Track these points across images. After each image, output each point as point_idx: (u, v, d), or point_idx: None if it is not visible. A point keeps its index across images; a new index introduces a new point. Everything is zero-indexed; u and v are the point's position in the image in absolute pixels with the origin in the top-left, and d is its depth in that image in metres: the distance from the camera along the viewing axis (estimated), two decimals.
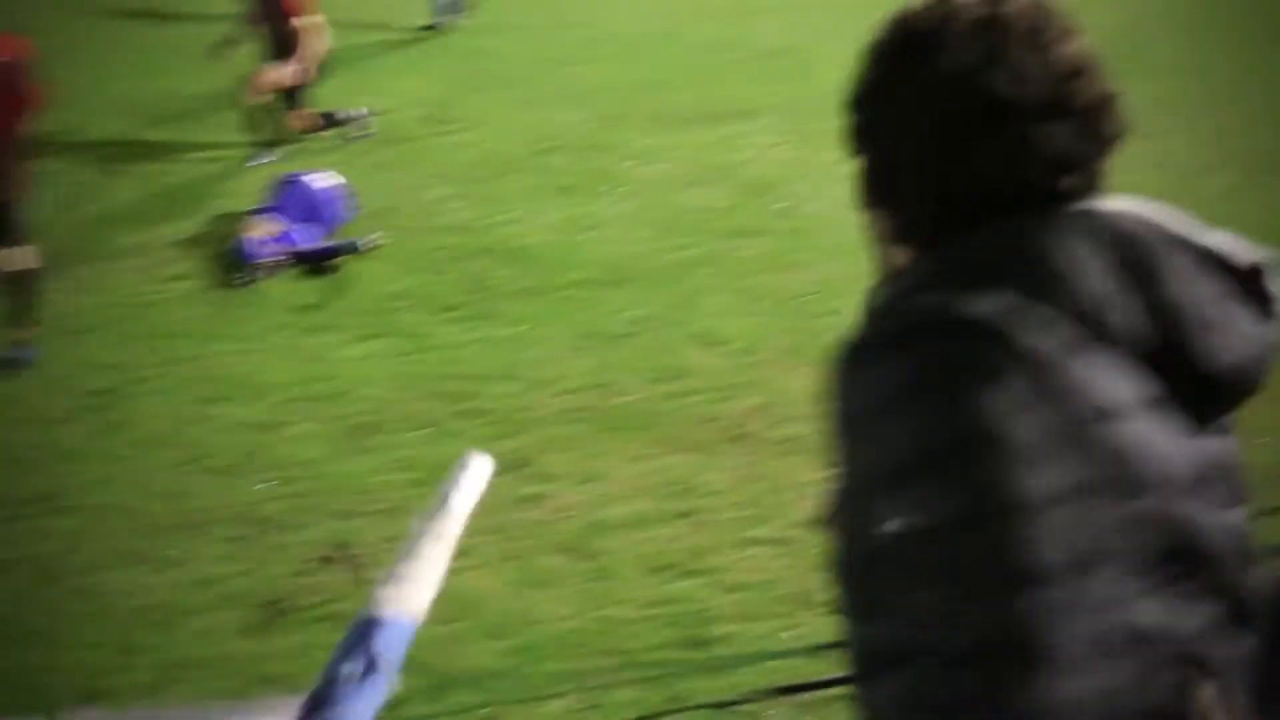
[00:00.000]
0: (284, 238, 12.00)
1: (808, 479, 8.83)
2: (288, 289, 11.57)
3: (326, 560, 7.94)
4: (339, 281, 11.64)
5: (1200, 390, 2.11)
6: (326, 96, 16.25)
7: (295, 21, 14.58)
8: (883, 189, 2.27)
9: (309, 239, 12.13)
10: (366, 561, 7.90)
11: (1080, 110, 2.02)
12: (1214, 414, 2.14)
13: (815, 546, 6.67)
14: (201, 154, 14.69)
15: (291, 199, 12.42)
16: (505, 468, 8.80)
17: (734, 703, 5.99)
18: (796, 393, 9.94)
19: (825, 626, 6.64)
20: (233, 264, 11.89)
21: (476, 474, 4.59)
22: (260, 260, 11.72)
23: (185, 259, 12.14)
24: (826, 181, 14.07)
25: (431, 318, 11.15)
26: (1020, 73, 2.03)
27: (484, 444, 8.86)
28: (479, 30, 20.02)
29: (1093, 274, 1.98)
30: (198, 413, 9.61)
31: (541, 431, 9.43)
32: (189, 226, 12.83)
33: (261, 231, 11.96)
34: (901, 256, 2.25)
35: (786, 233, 12.93)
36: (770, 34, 20.11)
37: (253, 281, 11.59)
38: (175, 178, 14.08)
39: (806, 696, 5.26)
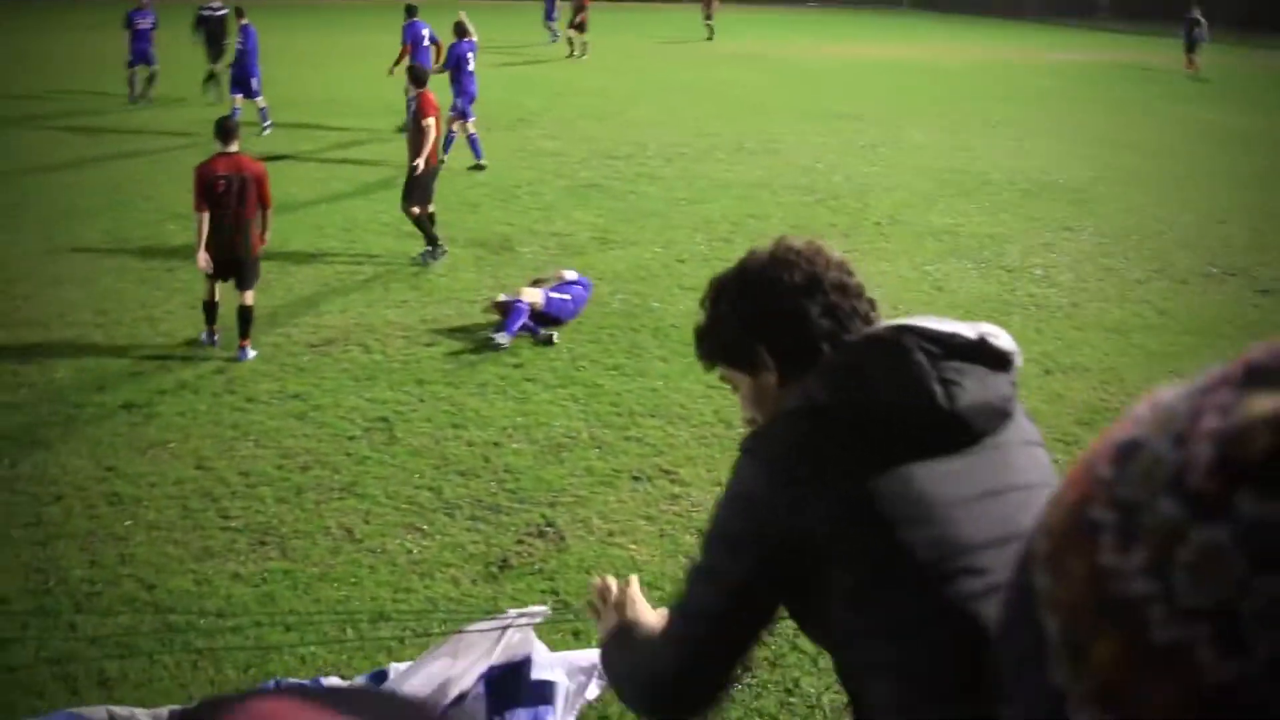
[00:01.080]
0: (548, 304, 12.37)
1: None
2: (504, 353, 11.82)
3: (538, 534, 8.23)
4: (541, 350, 11.89)
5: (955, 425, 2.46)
6: (526, 222, 16.66)
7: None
8: (778, 349, 2.72)
9: (557, 311, 12.44)
10: (564, 534, 8.24)
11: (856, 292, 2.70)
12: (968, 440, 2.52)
13: None
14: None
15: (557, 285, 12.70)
16: (656, 476, 9.15)
17: None
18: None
19: None
20: (498, 326, 12.15)
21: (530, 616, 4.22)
22: (518, 327, 11.98)
23: (433, 331, 12.44)
24: (876, 282, 14.32)
25: (603, 373, 11.37)
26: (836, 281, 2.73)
27: (640, 459, 9.20)
28: (631, 178, 20.28)
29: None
30: (448, 434, 9.86)
31: (681, 452, 9.67)
32: (433, 310, 13.15)
33: (531, 297, 12.24)
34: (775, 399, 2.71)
35: None
36: (835, 183, 20.32)
37: (501, 346, 11.76)
38: (428, 277, 14.35)
39: None
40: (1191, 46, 40.22)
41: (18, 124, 24.26)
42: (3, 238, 15.57)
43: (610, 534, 8.23)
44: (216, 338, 11.84)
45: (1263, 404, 0.72)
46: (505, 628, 3.84)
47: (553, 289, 12.58)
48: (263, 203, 11.60)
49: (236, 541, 8.03)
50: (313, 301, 13.22)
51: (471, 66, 21.45)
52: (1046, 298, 14.20)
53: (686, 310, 12.98)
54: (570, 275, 13.05)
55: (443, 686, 3.64)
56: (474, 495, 8.79)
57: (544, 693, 3.72)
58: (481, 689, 3.68)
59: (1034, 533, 0.83)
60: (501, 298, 12.46)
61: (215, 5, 27.05)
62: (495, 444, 9.69)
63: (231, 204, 11.33)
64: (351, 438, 9.76)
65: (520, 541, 8.10)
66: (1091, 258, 16.10)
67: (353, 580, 7.54)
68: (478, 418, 10.21)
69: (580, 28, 39.97)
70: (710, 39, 48.51)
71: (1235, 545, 0.67)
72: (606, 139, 24.14)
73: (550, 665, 3.84)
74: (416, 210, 14.65)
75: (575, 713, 3.95)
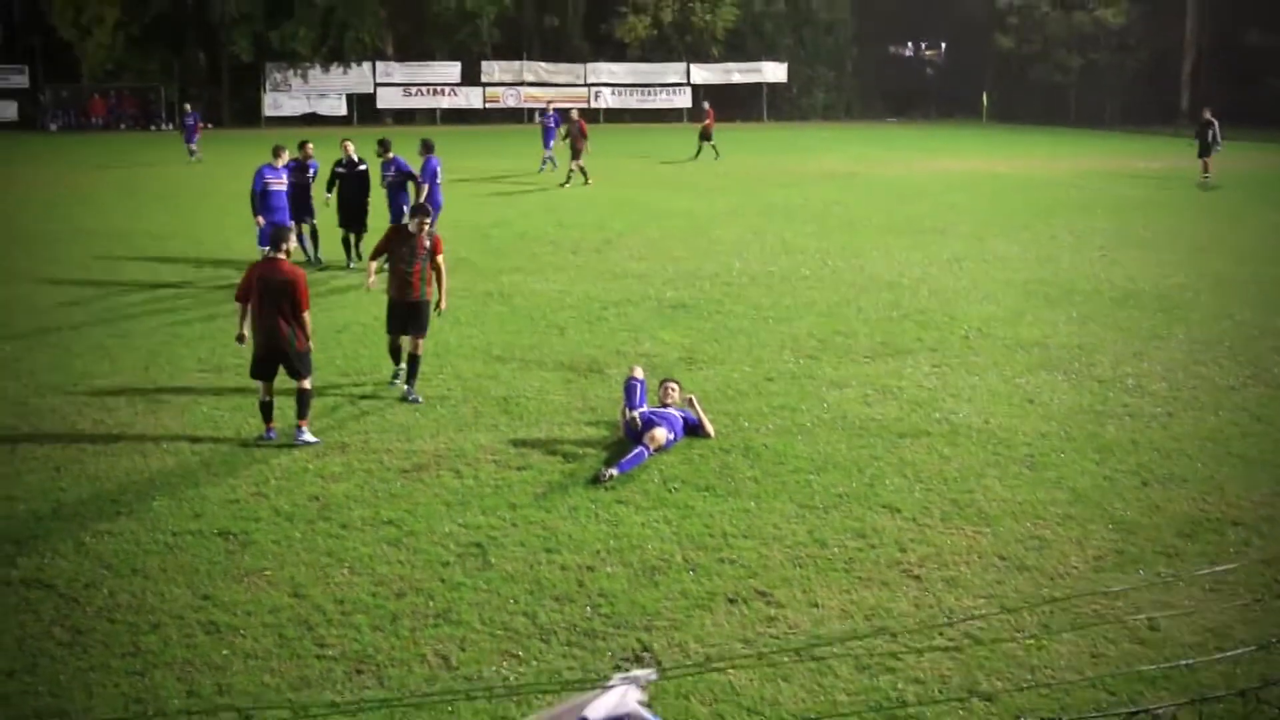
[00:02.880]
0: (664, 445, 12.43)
1: (966, 605, 8.93)
2: (592, 473, 11.79)
3: (634, 659, 8.12)
4: (631, 474, 11.83)
5: None
6: (613, 343, 16.69)
7: None
8: None
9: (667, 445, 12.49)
10: (661, 659, 8.12)
11: None
12: None
13: (980, 653, 6.80)
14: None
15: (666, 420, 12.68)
16: (751, 598, 9.03)
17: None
18: (954, 546, 10.06)
19: (986, 713, 6.68)
20: (609, 461, 12.18)
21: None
22: (633, 468, 11.92)
23: (524, 455, 12.44)
24: (965, 397, 14.18)
25: (695, 495, 11.29)
26: None
27: (735, 582, 9.10)
28: (718, 298, 20.31)
29: None
30: (541, 558, 9.76)
31: (776, 573, 9.54)
32: (523, 434, 13.16)
33: (655, 442, 12.26)
34: None
35: (940, 434, 12.99)
36: (921, 298, 20.24)
37: (608, 482, 11.59)
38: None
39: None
40: (1206, 150, 39.44)
41: (112, 253, 24.84)
42: (103, 366, 15.84)
43: (707, 658, 8.11)
44: (273, 433, 12.95)
45: None
46: (606, 689, 3.75)
47: (664, 423, 12.58)
48: (296, 306, 12.81)
49: (333, 670, 7.99)
50: (404, 427, 13.29)
51: (440, 179, 24.84)
52: (1140, 407, 13.97)
53: (777, 429, 12.95)
54: (674, 398, 13.15)
55: None
56: (569, 620, 8.71)
57: None
58: None
59: None
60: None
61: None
62: (589, 568, 9.61)
63: (268, 303, 12.70)
64: (445, 563, 9.73)
65: (617, 667, 7.98)
66: (1184, 365, 15.86)
67: (449, 710, 7.47)
68: (570, 541, 10.15)
69: (575, 154, 39.42)
70: (717, 156, 48.31)
71: None
72: (692, 259, 24.26)
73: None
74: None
75: None
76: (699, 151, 48.76)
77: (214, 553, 9.95)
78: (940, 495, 11.23)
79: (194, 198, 34.36)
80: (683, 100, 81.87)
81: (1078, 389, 14.74)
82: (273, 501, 11.12)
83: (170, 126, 72.30)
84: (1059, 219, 30.30)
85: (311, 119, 73.98)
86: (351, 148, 24.11)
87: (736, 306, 19.62)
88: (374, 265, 14.82)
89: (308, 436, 12.79)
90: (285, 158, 22.59)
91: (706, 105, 52.98)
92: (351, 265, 23.61)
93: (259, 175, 22.31)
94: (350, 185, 23.75)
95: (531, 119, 44.22)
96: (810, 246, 25.82)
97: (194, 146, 47.74)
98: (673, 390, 13.19)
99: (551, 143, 43.78)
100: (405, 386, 14.39)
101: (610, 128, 73.44)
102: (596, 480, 11.59)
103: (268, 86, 76.27)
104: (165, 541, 10.20)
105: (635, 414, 12.46)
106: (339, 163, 23.92)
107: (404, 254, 14.18)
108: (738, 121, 79.98)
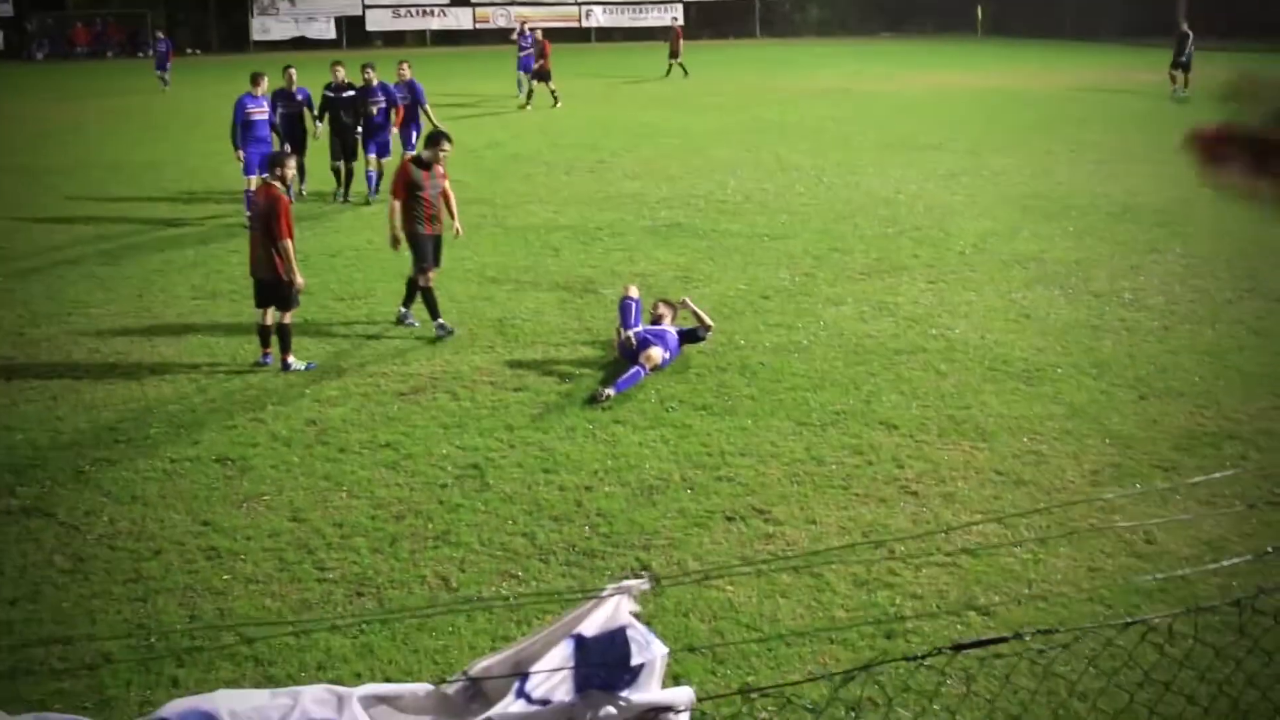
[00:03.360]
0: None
1: (963, 520, 8.98)
2: (587, 395, 11.83)
3: (633, 578, 8.16)
4: (627, 393, 11.85)
5: None
6: (608, 263, 16.68)
7: None
8: None
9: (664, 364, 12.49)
10: (659, 577, 8.17)
11: None
12: None
13: (977, 568, 6.85)
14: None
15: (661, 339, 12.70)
16: (749, 515, 9.08)
17: (921, 657, 6.17)
18: (950, 461, 10.10)
19: (984, 626, 6.77)
20: (605, 381, 12.25)
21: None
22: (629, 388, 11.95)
23: (520, 376, 12.46)
24: (962, 313, 14.19)
25: (692, 413, 11.32)
26: None
27: (733, 500, 9.15)
28: (713, 216, 20.25)
29: None
30: (539, 479, 9.84)
31: (774, 490, 9.59)
32: (519, 355, 13.18)
33: (652, 361, 12.26)
34: None
35: (936, 351, 13.00)
36: (917, 214, 20.17)
37: (604, 402, 11.59)
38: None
39: (979, 652, 5.44)
40: (1183, 64, 38.65)
41: (104, 184, 24.73)
42: (96, 296, 15.81)
43: (706, 576, 8.16)
44: (268, 358, 12.98)
45: None
46: (599, 599, 3.74)
47: (659, 342, 12.56)
48: (271, 233, 12.67)
49: (333, 593, 8.05)
50: (400, 350, 13.30)
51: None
52: (1137, 321, 13.97)
53: (774, 347, 12.96)
54: (667, 317, 13.10)
55: (528, 659, 3.55)
56: (568, 540, 8.77)
57: (639, 660, 3.59)
58: (570, 650, 3.58)
59: None
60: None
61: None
62: (587, 488, 9.66)
63: (257, 228, 12.84)
64: (443, 485, 9.78)
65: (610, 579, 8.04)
66: (1181, 279, 15.84)
67: (450, 630, 7.53)
68: (568, 462, 10.19)
69: (541, 76, 38.43)
70: (685, 74, 47.83)
71: None
72: (687, 178, 24.15)
73: (645, 635, 3.72)
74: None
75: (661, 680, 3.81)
76: (669, 70, 48.30)
77: (213, 479, 9.99)
78: (937, 411, 11.26)
79: (184, 126, 34.11)
80: (675, 18, 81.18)
81: (1074, 304, 14.74)
82: (270, 427, 11.15)
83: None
84: (1056, 133, 30.13)
85: (300, 43, 73.24)
86: (342, 72, 22.90)
87: (732, 225, 19.56)
88: (398, 208, 13.94)
89: (295, 364, 12.80)
90: (265, 85, 21.17)
91: (675, 23, 52.31)
92: (341, 198, 22.54)
93: (239, 106, 20.86)
94: (341, 110, 22.49)
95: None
96: (805, 164, 25.70)
97: (165, 75, 46.51)
98: (665, 309, 13.16)
99: (532, 65, 40.18)
100: (402, 309, 14.33)
101: (601, 47, 72.93)
102: (594, 400, 11.62)
103: (255, 10, 75.40)
104: (164, 468, 10.23)
105: (630, 334, 12.46)
106: (328, 86, 22.72)
107: (427, 185, 13.93)
108: (730, 38, 79.37)
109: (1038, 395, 11.65)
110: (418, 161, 14.08)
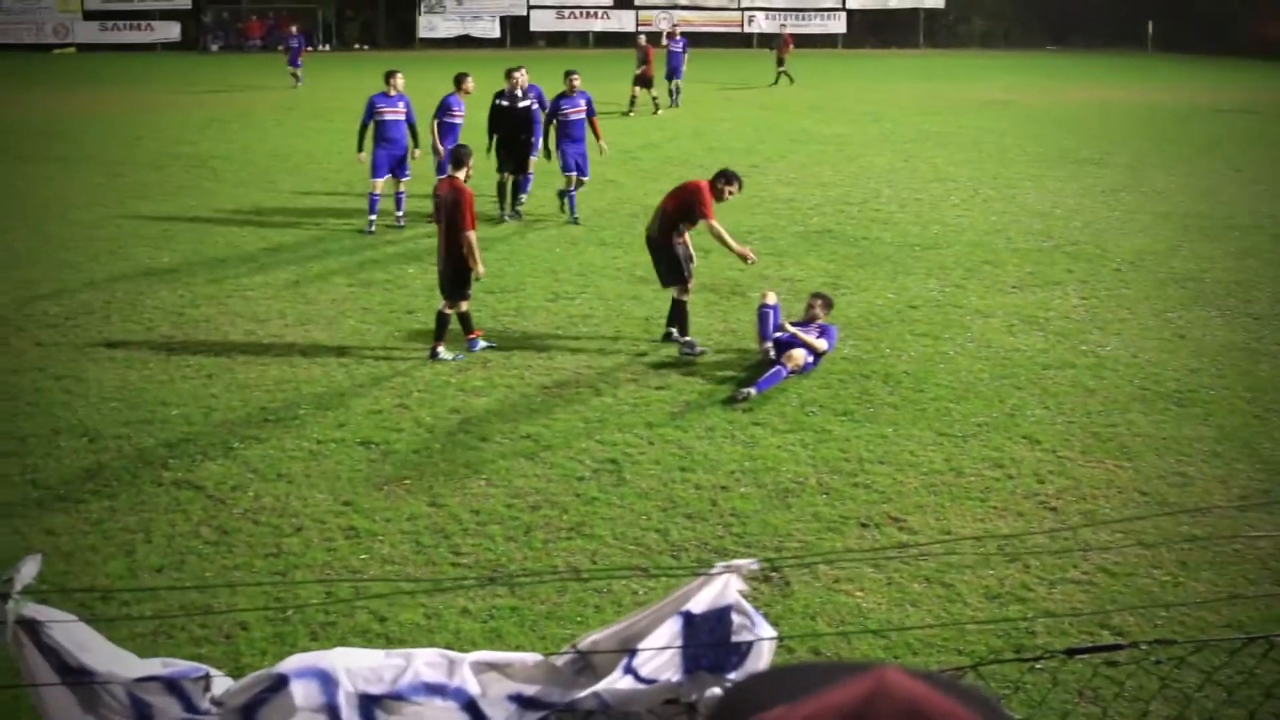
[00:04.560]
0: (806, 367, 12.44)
1: (1103, 539, 8.81)
2: (727, 395, 11.83)
3: (763, 579, 8.16)
4: (769, 395, 11.85)
5: None
6: (758, 267, 16.68)
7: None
8: None
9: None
10: (790, 579, 8.15)
11: None
12: None
13: (1113, 587, 6.71)
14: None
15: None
16: (884, 523, 9.01)
17: (1035, 659, 6.05)
18: (1093, 479, 9.91)
19: (1111, 639, 6.63)
20: (746, 381, 12.34)
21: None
22: (770, 388, 11.99)
23: (662, 375, 12.51)
24: (1114, 330, 13.91)
25: (833, 419, 11.27)
26: None
27: (868, 506, 9.08)
28: (865, 224, 20.12)
29: None
30: (676, 477, 9.88)
31: (910, 499, 9.51)
32: (662, 354, 13.23)
33: (794, 362, 12.26)
34: None
35: (1085, 367, 12.77)
36: (1073, 229, 19.81)
37: (745, 401, 11.69)
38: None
39: (1097, 662, 5.34)
40: None
41: (268, 172, 25.36)
42: (255, 279, 16.23)
43: (836, 580, 8.13)
44: (439, 352, 13.03)
45: None
46: (708, 577, 3.72)
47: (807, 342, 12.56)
48: (455, 224, 12.95)
49: (466, 577, 8.17)
50: (546, 345, 13.43)
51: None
52: None
53: (919, 356, 12.84)
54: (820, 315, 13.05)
55: (636, 635, 3.55)
56: (700, 538, 8.79)
57: (744, 639, 3.59)
58: (678, 627, 3.58)
59: None
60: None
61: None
62: (723, 488, 9.67)
63: (440, 220, 13.15)
64: (580, 478, 9.86)
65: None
66: None
67: (578, 619, 7.59)
68: (705, 461, 10.21)
69: (644, 82, 37.18)
70: (791, 82, 46.91)
71: None
72: (841, 185, 24.01)
73: (753, 616, 3.70)
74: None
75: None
76: (777, 79, 47.76)
77: (356, 461, 10.20)
78: (1082, 428, 11.06)
79: (347, 118, 34.80)
80: (837, 25, 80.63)
81: (1231, 326, 14.36)
82: (414, 413, 11.34)
83: (328, 48, 73.25)
84: (1221, 151, 29.37)
85: (464, 41, 74.36)
86: (521, 78, 20.43)
87: (883, 233, 19.41)
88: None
89: (444, 353, 12.96)
90: (399, 84, 19.81)
91: (783, 29, 53.48)
92: (506, 217, 20.38)
93: (370, 106, 19.68)
94: (511, 122, 20.26)
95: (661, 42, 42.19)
96: (961, 175, 25.40)
97: (298, 71, 45.94)
98: (819, 306, 13.11)
99: (683, 70, 39.10)
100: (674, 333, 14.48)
101: (763, 53, 72.81)
102: (733, 399, 11.65)
103: (422, 8, 76.73)
104: (310, 449, 10.47)
105: (769, 343, 12.41)
106: (500, 94, 20.42)
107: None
108: (893, 48, 78.71)
109: (1187, 416, 11.38)
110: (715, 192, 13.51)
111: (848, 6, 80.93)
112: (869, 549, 8.69)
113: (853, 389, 12.08)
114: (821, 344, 12.58)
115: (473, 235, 12.89)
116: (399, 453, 10.38)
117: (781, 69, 47.90)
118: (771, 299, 12.91)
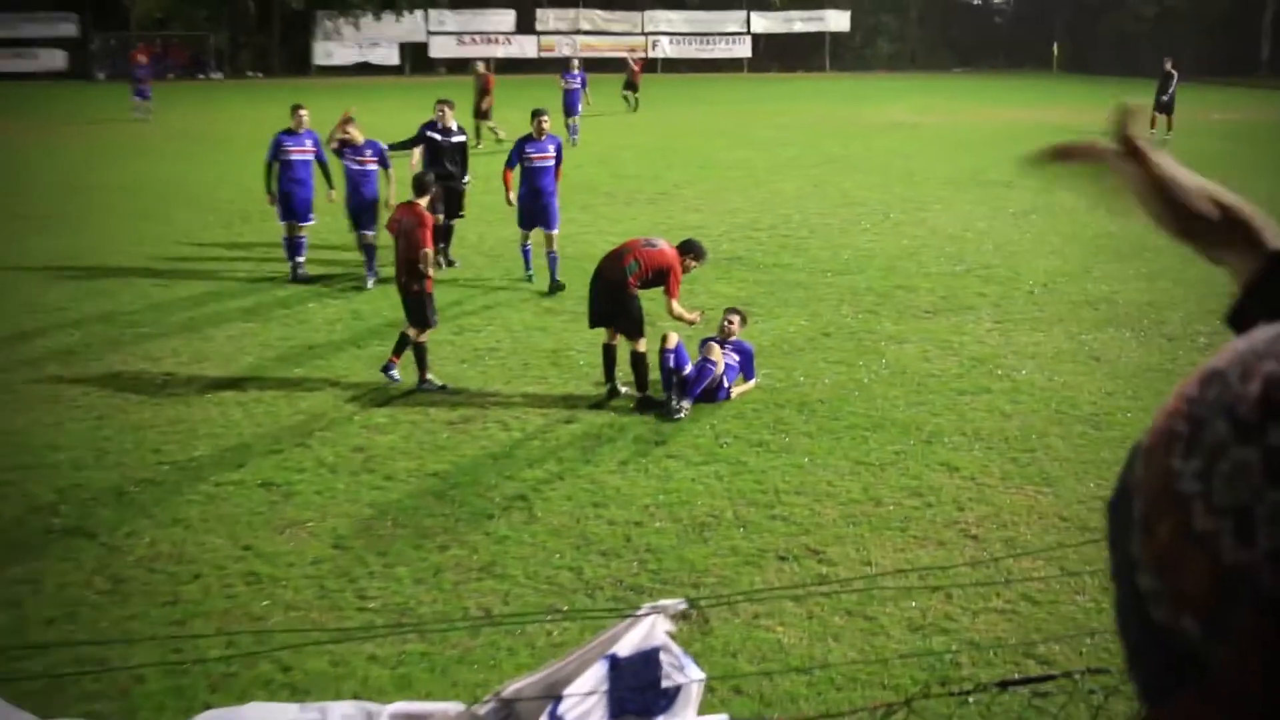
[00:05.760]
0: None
1: (1025, 569, 8.85)
2: (645, 428, 11.79)
3: (681, 616, 8.09)
4: (682, 426, 11.83)
5: None
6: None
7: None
8: None
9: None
10: (708, 616, 8.10)
11: None
12: None
13: (1038, 615, 6.70)
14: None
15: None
16: (802, 556, 8.98)
17: (967, 692, 6.04)
18: (1013, 506, 9.96)
19: (1045, 670, 6.60)
20: (678, 392, 12.40)
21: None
22: (700, 391, 12.22)
23: (572, 407, 12.44)
24: (1029, 354, 14.04)
25: (748, 450, 11.24)
26: None
27: (787, 539, 9.05)
28: (775, 250, 20.20)
29: None
30: (589, 512, 9.77)
31: (829, 531, 9.49)
32: (572, 387, 13.16)
33: (720, 357, 12.41)
34: None
35: (1001, 392, 12.87)
36: (985, 253, 20.03)
37: (680, 416, 11.97)
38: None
39: (1025, 690, 5.33)
40: (1165, 106, 37.61)
41: (161, 202, 25.00)
42: (148, 316, 15.96)
43: (756, 616, 8.08)
44: (392, 371, 13.08)
45: None
46: (634, 619, 3.70)
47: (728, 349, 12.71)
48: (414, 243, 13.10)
49: (374, 622, 8.03)
50: (452, 378, 13.30)
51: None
52: None
53: (834, 384, 12.87)
54: (735, 327, 13.08)
55: (562, 681, 3.51)
56: (616, 576, 8.71)
57: (672, 683, 3.56)
58: (604, 671, 3.54)
59: (1144, 432, 1.04)
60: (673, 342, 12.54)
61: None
62: (637, 523, 9.60)
63: (400, 244, 13.23)
64: (490, 516, 9.75)
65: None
66: None
67: (491, 663, 7.48)
68: (619, 496, 10.14)
69: (480, 114, 35.00)
70: (634, 109, 46.96)
71: (1260, 464, 0.88)
72: (750, 211, 24.13)
73: (681, 658, 3.67)
74: None
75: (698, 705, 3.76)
76: (632, 103, 47.60)
77: (256, 503, 10.02)
78: (1000, 454, 11.12)
79: (243, 147, 34.48)
80: (743, 50, 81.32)
81: (1146, 347, 14.56)
82: (317, 452, 11.18)
83: (220, 75, 72.61)
84: None
85: (363, 68, 74.06)
86: (449, 112, 19.71)
87: (794, 260, 19.49)
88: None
89: (433, 380, 13.04)
90: (306, 119, 18.76)
91: (631, 54, 53.17)
92: (446, 264, 18.88)
93: (275, 145, 18.57)
94: (443, 159, 19.30)
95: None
96: (871, 199, 25.62)
97: (143, 102, 43.19)
98: (735, 322, 13.09)
99: (580, 108, 37.60)
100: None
101: (667, 78, 73.14)
102: (669, 414, 11.91)
103: (319, 34, 76.27)
104: (207, 492, 10.27)
105: (686, 404, 12.20)
106: (429, 125, 19.57)
107: None
108: (799, 72, 79.45)
109: (1106, 440, 11.48)
110: None
111: (752, 30, 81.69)
112: (788, 583, 8.66)
113: (767, 418, 12.07)
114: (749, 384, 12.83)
115: (429, 252, 13.09)
116: (301, 494, 10.21)
117: (628, 92, 47.55)
118: (672, 340, 12.56)
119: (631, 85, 47.86)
